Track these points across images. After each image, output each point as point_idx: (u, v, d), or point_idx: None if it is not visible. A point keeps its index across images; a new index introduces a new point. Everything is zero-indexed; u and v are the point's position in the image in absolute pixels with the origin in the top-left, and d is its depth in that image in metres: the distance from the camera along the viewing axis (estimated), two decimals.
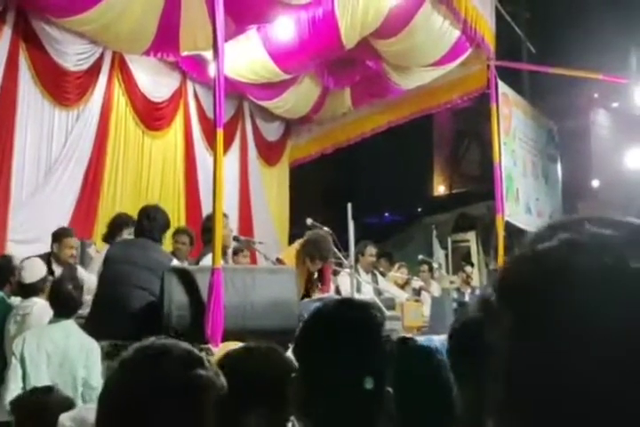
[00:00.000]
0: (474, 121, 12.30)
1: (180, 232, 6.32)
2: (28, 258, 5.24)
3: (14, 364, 3.87)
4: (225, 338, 3.73)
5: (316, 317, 1.46)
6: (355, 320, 1.41)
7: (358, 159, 12.12)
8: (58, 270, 5.43)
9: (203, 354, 1.47)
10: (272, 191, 10.20)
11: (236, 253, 6.47)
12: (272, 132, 10.27)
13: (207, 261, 5.83)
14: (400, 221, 14.40)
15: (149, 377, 1.36)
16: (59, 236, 5.50)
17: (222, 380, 1.43)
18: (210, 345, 3.63)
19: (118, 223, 5.78)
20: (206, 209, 8.41)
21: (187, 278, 3.87)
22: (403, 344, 1.87)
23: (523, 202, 9.26)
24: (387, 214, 14.90)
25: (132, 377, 1.38)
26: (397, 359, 1.52)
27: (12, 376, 3.85)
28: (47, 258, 5.38)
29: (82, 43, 7.31)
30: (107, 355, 4.07)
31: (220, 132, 3.94)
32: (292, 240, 9.22)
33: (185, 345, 1.45)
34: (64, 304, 4.02)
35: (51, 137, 7.12)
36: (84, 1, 6.55)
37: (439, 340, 5.64)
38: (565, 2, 11.39)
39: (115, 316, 4.08)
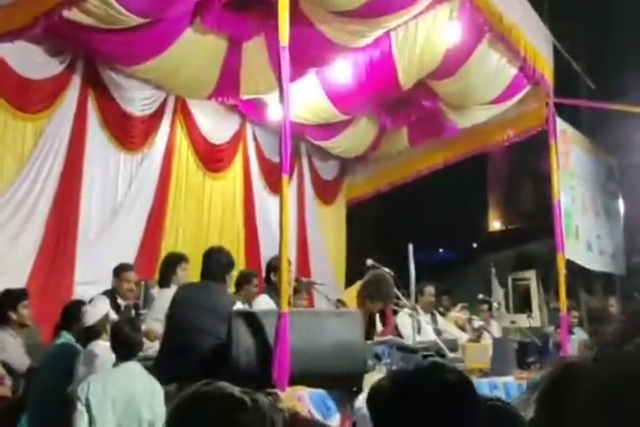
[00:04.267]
0: (528, 156, 12.14)
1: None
2: (92, 299, 5.41)
3: (80, 409, 3.92)
4: (291, 382, 3.75)
5: (410, 382, 1.49)
6: (451, 386, 1.45)
7: (411, 194, 12.04)
8: (122, 304, 5.62)
9: (246, 398, 1.51)
10: (329, 230, 10.19)
11: (294, 294, 6.49)
12: (328, 170, 10.31)
13: (264, 301, 5.92)
14: (454, 257, 14.19)
15: (193, 421, 1.50)
16: (117, 270, 5.76)
17: (268, 423, 1.50)
18: (277, 389, 3.64)
19: (170, 263, 5.94)
20: (264, 249, 8.53)
21: (253, 322, 3.91)
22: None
23: (583, 239, 9.07)
24: (440, 251, 14.70)
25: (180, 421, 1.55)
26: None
27: (79, 422, 3.90)
28: (111, 294, 5.58)
29: (146, 88, 7.53)
30: (172, 397, 4.13)
31: (285, 178, 3.97)
32: (348, 279, 9.22)
33: (228, 389, 1.53)
34: (124, 348, 4.12)
35: (116, 180, 7.33)
36: (150, 50, 6.74)
37: (502, 383, 5.56)
38: (624, 36, 11.28)
39: (182, 360, 4.13)
